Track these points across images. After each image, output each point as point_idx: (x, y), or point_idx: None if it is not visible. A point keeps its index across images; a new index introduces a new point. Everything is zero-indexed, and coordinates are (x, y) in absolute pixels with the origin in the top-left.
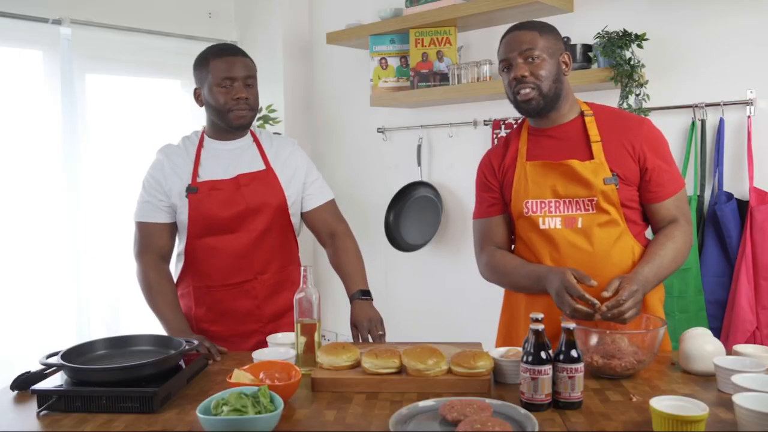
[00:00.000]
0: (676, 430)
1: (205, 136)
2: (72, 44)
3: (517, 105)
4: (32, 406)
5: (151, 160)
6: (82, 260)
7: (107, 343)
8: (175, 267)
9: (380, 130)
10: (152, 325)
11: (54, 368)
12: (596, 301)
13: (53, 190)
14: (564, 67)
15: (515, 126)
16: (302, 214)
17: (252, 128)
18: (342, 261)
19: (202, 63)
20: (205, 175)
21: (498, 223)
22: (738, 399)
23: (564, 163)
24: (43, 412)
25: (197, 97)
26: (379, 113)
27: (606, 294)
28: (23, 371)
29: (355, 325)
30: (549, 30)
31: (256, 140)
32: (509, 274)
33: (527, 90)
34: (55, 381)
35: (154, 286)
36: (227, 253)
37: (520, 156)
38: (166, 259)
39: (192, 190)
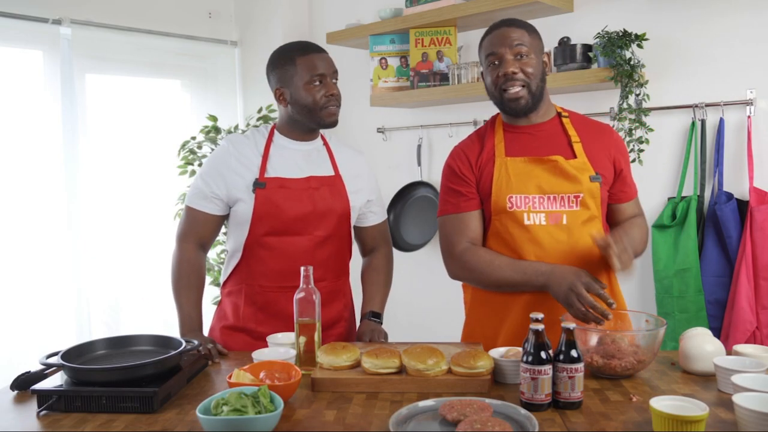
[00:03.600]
0: (676, 430)
1: (276, 132)
2: (72, 44)
3: (503, 103)
4: (32, 406)
5: (150, 160)
6: (82, 260)
7: (107, 343)
8: (227, 263)
9: (380, 130)
10: (152, 325)
11: (54, 368)
12: (612, 301)
13: (53, 190)
14: (545, 67)
15: (486, 122)
16: (355, 227)
17: (322, 133)
18: (370, 278)
19: (287, 62)
20: (273, 172)
21: (474, 218)
22: (738, 399)
23: (550, 158)
24: (43, 412)
25: (279, 97)
26: (379, 113)
27: (597, 240)
28: (23, 371)
29: (359, 339)
30: (533, 29)
31: (326, 145)
32: (497, 270)
33: (517, 89)
34: (55, 381)
35: (183, 278)
36: (288, 255)
37: (498, 152)
38: (205, 248)
39: (260, 185)
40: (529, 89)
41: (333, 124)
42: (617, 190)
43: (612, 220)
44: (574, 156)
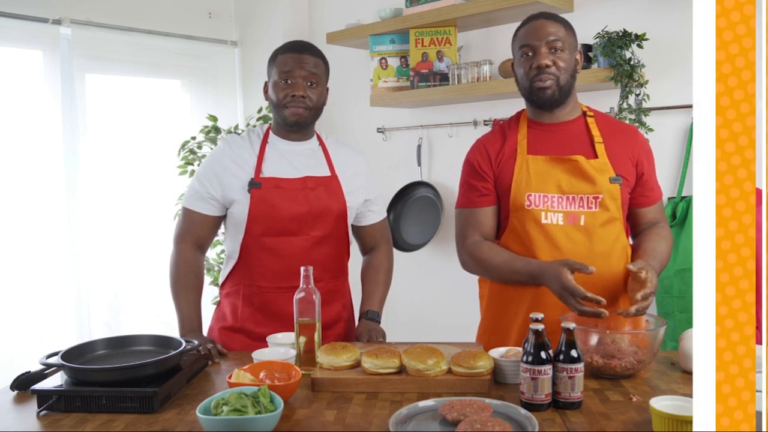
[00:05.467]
0: (676, 430)
1: (271, 132)
2: (72, 44)
3: (531, 92)
4: (32, 406)
5: (150, 160)
6: (82, 260)
7: (107, 343)
8: (225, 264)
9: (380, 130)
10: (152, 325)
11: (54, 368)
12: (601, 299)
13: (53, 190)
14: (577, 64)
15: (511, 117)
16: (354, 226)
17: (318, 132)
18: (369, 276)
19: (272, 57)
20: (268, 172)
21: (486, 214)
22: None
23: (571, 158)
24: (43, 412)
25: (264, 91)
26: (379, 113)
27: (632, 268)
28: (23, 371)
29: (357, 338)
30: (570, 25)
31: (322, 145)
32: (497, 268)
33: (546, 79)
34: (55, 381)
35: (181, 278)
36: (284, 256)
37: (520, 148)
38: (203, 249)
39: (255, 185)
40: (558, 82)
41: (296, 124)
42: (638, 194)
43: (632, 224)
44: (596, 156)
